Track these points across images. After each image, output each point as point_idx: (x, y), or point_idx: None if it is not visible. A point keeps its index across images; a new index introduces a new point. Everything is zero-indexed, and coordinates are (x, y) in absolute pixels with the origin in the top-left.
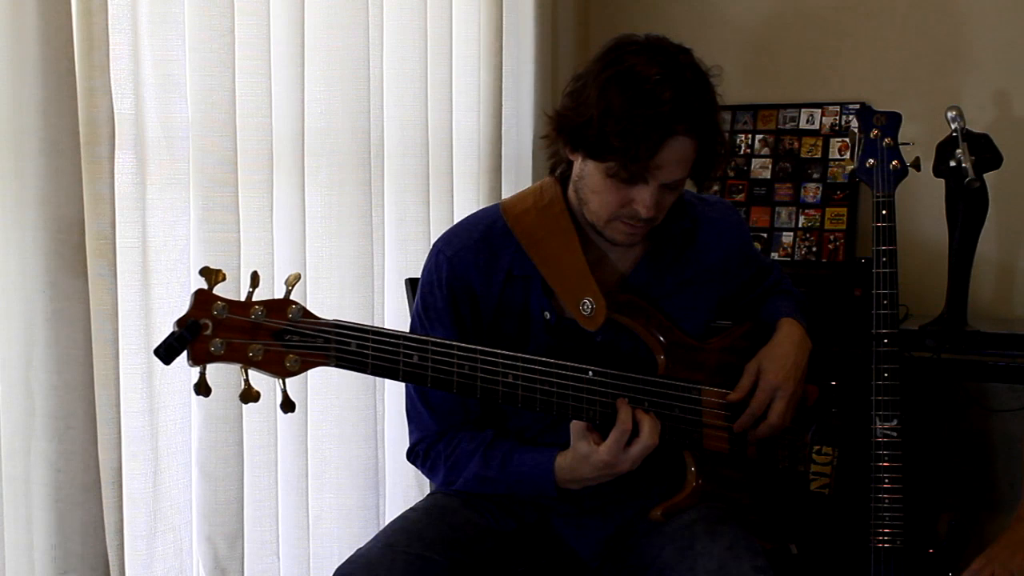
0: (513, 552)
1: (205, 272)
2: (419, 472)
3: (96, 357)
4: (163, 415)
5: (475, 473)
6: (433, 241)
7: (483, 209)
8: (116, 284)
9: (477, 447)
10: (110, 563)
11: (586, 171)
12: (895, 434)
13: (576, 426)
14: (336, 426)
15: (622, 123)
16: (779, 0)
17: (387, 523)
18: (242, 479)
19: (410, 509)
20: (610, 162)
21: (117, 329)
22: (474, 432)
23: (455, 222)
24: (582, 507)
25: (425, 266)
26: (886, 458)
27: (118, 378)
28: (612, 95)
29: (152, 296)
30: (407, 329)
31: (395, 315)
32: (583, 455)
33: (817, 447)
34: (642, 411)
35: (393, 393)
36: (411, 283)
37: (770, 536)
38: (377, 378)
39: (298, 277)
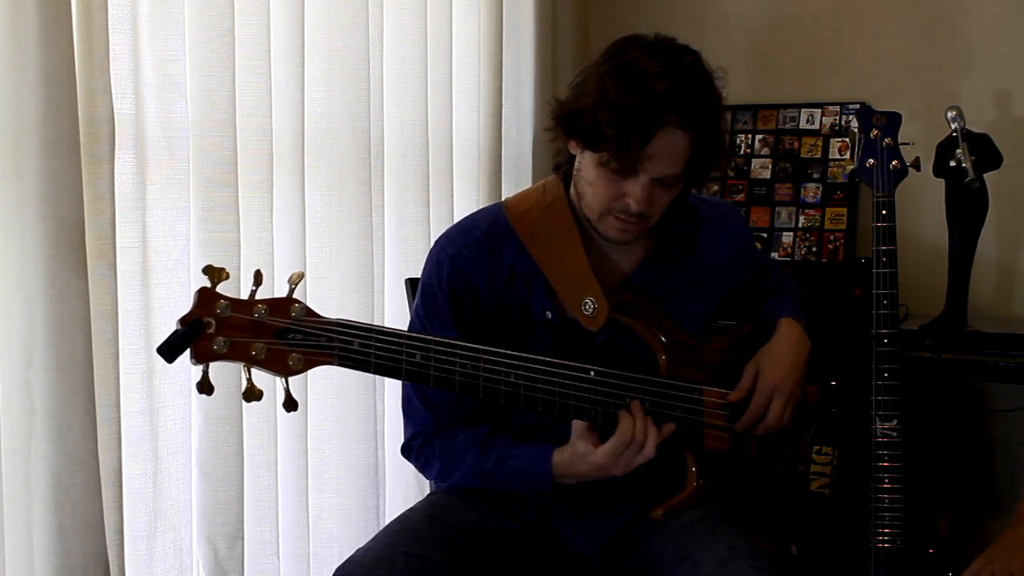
0: (513, 552)
1: (208, 270)
2: (419, 472)
3: (96, 357)
4: (163, 415)
5: (471, 468)
6: (433, 241)
7: (486, 208)
8: (116, 284)
9: (473, 442)
10: (110, 563)
11: (583, 162)
12: (895, 434)
13: (578, 425)
14: (336, 426)
15: (615, 110)
16: (779, 0)
17: (387, 523)
18: (242, 479)
19: (410, 509)
20: (602, 152)
21: (117, 329)
22: (470, 428)
23: (456, 221)
24: (583, 507)
25: (426, 264)
26: (886, 458)
27: (118, 378)
28: (609, 84)
29: (152, 296)
30: (407, 328)
31: (395, 315)
32: (581, 454)
33: (817, 447)
34: (651, 422)
35: (393, 393)
36: (411, 283)
37: (771, 536)
38: (377, 378)
39: (301, 276)
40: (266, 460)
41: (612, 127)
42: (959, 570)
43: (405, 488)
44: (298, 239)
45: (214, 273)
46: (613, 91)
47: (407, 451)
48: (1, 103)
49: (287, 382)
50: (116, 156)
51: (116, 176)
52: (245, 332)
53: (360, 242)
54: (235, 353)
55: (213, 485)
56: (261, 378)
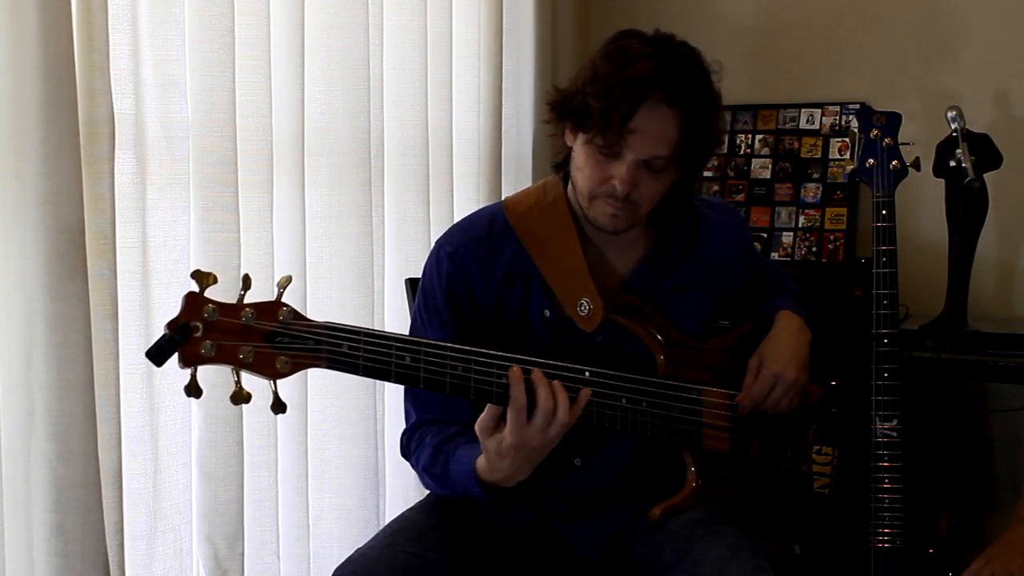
0: (513, 552)
1: (196, 275)
2: None
3: (96, 357)
4: (163, 415)
5: (424, 468)
6: (433, 240)
7: (486, 207)
8: (116, 284)
9: (432, 442)
10: (110, 563)
11: (575, 148)
12: (895, 434)
13: (479, 425)
14: (336, 426)
15: (602, 86)
16: (779, 0)
17: (387, 523)
18: (242, 479)
19: (410, 509)
20: (590, 130)
21: (117, 329)
22: (442, 427)
23: (455, 221)
24: (583, 507)
25: (426, 263)
26: (886, 458)
27: (118, 378)
28: (599, 65)
29: (152, 296)
30: (408, 328)
31: (395, 315)
32: (494, 450)
33: (817, 447)
34: (541, 379)
35: (393, 393)
36: (411, 283)
37: (772, 537)
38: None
39: (290, 279)
40: (266, 460)
41: (597, 101)
42: (959, 570)
43: (405, 488)
44: (298, 239)
45: (202, 278)
46: (602, 70)
47: (401, 449)
48: (1, 103)
49: (275, 385)
50: (116, 156)
51: (116, 176)
52: (232, 336)
53: (360, 242)
54: (222, 357)
55: (213, 485)
56: (256, 381)
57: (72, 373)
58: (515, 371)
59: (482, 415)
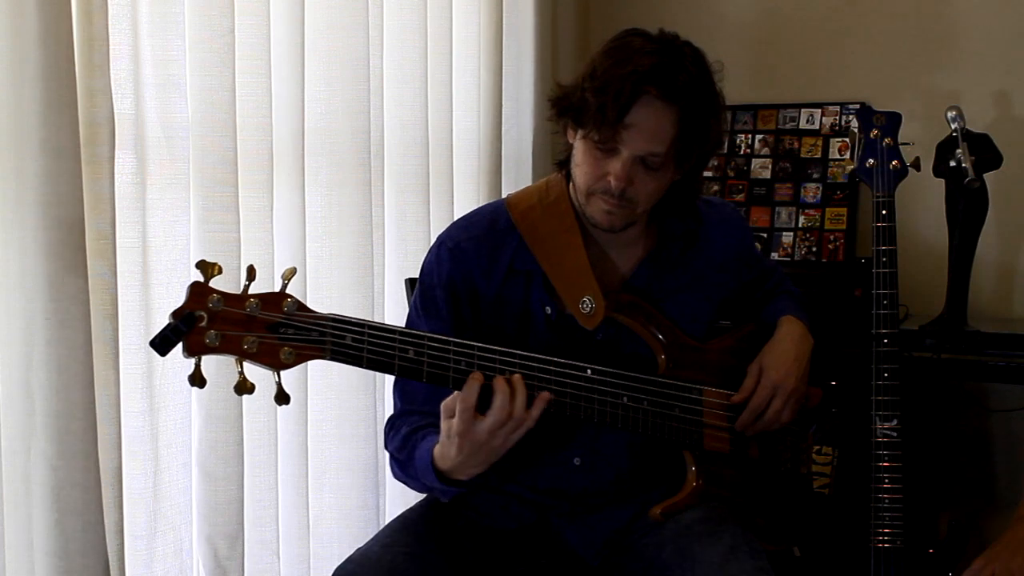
0: (513, 552)
1: (201, 265)
2: None
3: (96, 357)
4: (163, 415)
5: (392, 455)
6: (433, 240)
7: (488, 204)
8: (116, 284)
9: (405, 431)
10: (110, 563)
11: (575, 146)
12: (895, 434)
13: (443, 404)
14: (336, 426)
15: (600, 81)
16: (780, 0)
17: (387, 523)
18: (242, 479)
19: (409, 509)
20: (587, 125)
21: (117, 329)
22: (421, 417)
23: (456, 218)
24: (583, 507)
25: (427, 258)
26: (886, 458)
27: (118, 378)
28: (599, 61)
29: (152, 296)
30: (405, 320)
31: (395, 315)
32: (445, 433)
33: (817, 447)
34: (503, 380)
35: None
36: (411, 283)
37: (772, 538)
38: (378, 378)
39: (294, 271)
40: (266, 460)
41: (595, 96)
42: (959, 570)
43: (405, 488)
44: (298, 239)
45: (207, 268)
46: (601, 66)
47: (385, 440)
48: (1, 103)
49: (279, 376)
50: (116, 156)
51: (116, 176)
52: (237, 326)
53: (360, 242)
54: (227, 347)
55: (213, 485)
56: (258, 375)
57: (72, 373)
58: (475, 374)
59: (447, 398)
